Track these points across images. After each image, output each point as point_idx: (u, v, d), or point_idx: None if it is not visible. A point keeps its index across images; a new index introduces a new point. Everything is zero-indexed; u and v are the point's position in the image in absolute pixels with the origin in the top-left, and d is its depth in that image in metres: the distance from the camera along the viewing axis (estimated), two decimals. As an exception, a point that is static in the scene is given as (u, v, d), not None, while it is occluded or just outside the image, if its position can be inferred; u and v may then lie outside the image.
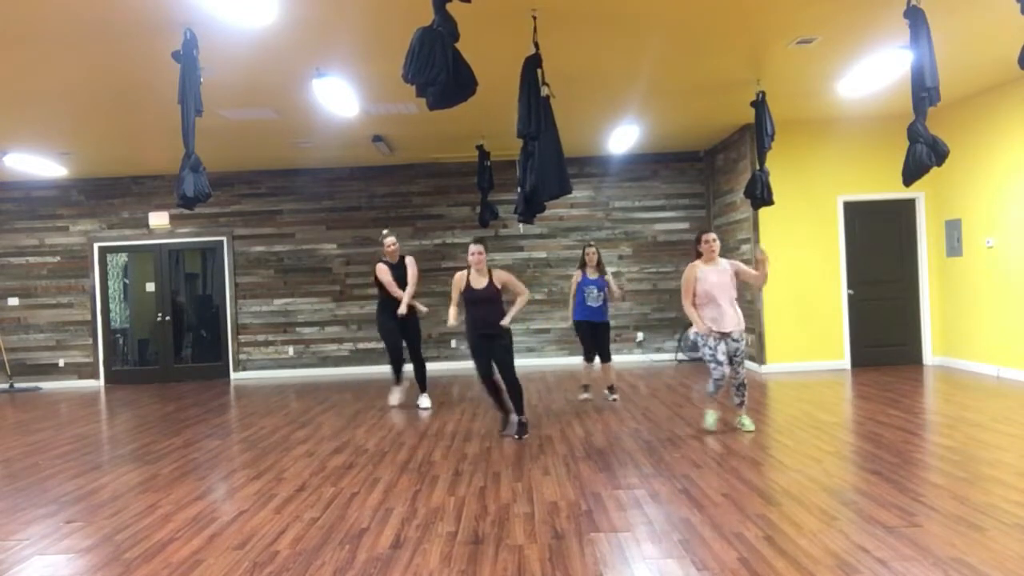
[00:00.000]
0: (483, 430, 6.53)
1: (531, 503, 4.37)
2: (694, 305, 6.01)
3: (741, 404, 6.14)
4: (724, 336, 5.97)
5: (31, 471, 5.71)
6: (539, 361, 11.00)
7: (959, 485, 4.37)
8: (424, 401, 7.82)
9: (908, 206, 9.47)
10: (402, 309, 7.40)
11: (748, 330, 9.74)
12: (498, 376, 6.26)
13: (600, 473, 4.97)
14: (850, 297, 9.42)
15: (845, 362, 9.39)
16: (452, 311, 6.26)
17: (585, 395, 7.85)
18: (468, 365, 10.62)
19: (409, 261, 7.67)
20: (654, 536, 3.75)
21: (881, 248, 9.47)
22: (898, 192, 8.88)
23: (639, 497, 4.40)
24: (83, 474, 5.53)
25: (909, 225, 9.49)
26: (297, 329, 11.26)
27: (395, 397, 7.98)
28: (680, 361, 10.68)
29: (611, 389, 7.75)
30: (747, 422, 6.11)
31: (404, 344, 7.75)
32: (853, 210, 9.45)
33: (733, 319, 5.99)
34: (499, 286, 6.20)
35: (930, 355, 9.43)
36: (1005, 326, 8.19)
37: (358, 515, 4.28)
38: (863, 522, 3.81)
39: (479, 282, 6.19)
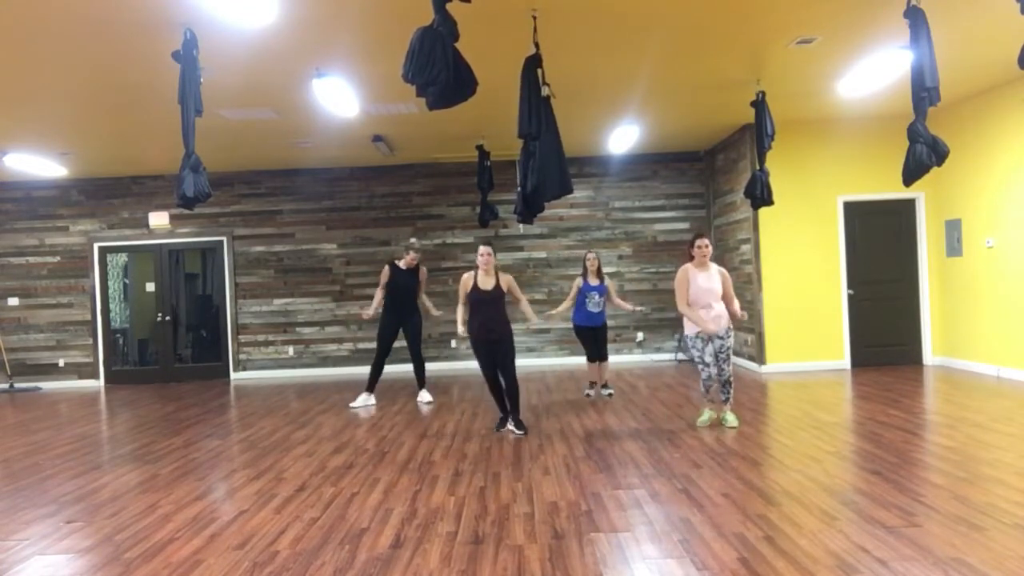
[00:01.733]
0: (483, 430, 6.53)
1: (531, 503, 4.37)
2: (688, 305, 6.19)
3: (726, 401, 6.32)
4: (711, 338, 6.15)
5: (31, 471, 5.71)
6: (539, 361, 11.00)
7: (959, 485, 4.37)
8: (425, 396, 8.18)
9: (908, 206, 9.47)
10: (367, 313, 7.98)
11: (748, 330, 9.79)
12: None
13: (600, 473, 4.97)
14: (850, 297, 9.42)
15: (845, 362, 9.39)
16: (460, 317, 6.39)
17: (590, 391, 8.12)
18: (467, 365, 10.64)
19: (422, 271, 8.14)
20: (654, 536, 3.75)
21: (881, 248, 9.47)
22: (898, 192, 8.88)
23: (639, 497, 4.40)
24: (83, 474, 5.53)
25: (909, 225, 9.49)
26: (297, 329, 11.26)
27: (361, 400, 8.14)
28: (680, 361, 10.68)
29: (605, 386, 8.11)
30: (730, 418, 6.28)
31: (405, 345, 8.13)
32: (853, 210, 9.44)
33: (721, 321, 6.15)
34: (505, 288, 6.35)
35: (930, 355, 9.43)
36: (1005, 326, 8.19)
37: (358, 515, 4.28)
38: (863, 522, 3.82)
39: (487, 283, 6.31)
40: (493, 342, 6.27)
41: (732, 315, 6.23)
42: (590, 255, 7.83)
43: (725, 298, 6.19)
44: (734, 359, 10.39)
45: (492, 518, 4.12)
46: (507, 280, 6.40)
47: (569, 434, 6.23)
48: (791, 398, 7.54)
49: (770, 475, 4.77)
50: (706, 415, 6.37)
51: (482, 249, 6.36)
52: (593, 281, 7.74)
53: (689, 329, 6.22)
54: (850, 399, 7.37)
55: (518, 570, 3.39)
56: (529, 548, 3.65)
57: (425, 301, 8.13)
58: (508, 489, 4.68)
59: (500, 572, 3.37)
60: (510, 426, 6.37)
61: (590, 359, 7.97)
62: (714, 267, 6.22)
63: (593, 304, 7.70)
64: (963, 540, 3.52)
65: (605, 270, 11.12)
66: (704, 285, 6.11)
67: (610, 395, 8.00)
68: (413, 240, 8.24)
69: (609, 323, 11.04)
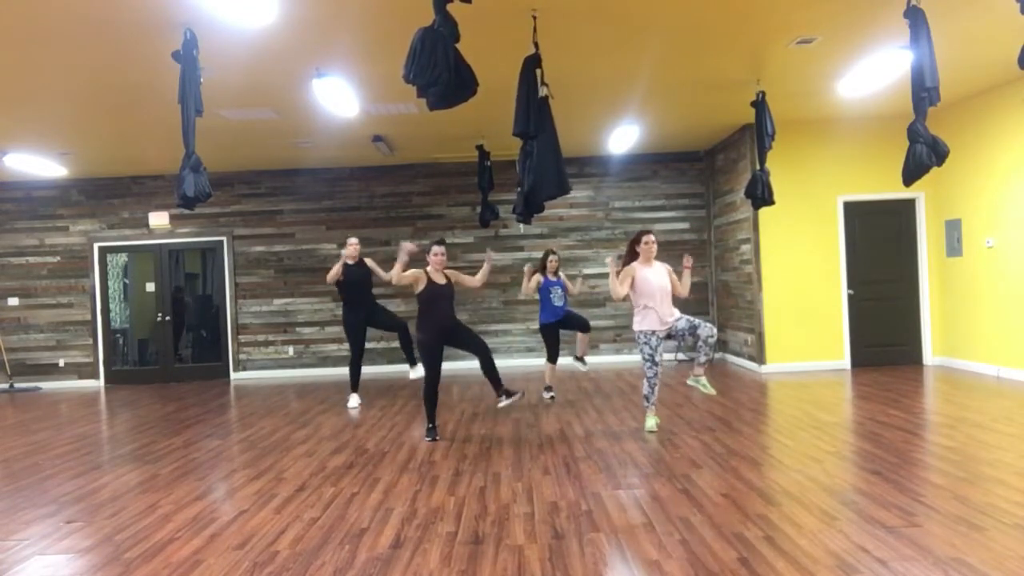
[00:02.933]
0: (483, 430, 6.53)
1: (531, 503, 4.37)
2: (628, 296, 6.06)
3: (708, 362, 6.15)
4: (667, 334, 6.06)
5: (31, 471, 5.71)
6: (540, 361, 10.96)
7: (959, 485, 4.37)
8: (415, 374, 7.92)
9: (908, 206, 9.47)
10: (331, 275, 7.85)
11: (748, 330, 9.79)
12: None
13: (600, 473, 4.97)
14: (850, 297, 9.42)
15: (845, 362, 9.39)
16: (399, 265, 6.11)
17: (549, 395, 8.01)
18: (467, 365, 10.62)
19: (369, 261, 8.06)
20: (654, 536, 3.75)
21: (881, 248, 9.47)
22: (898, 192, 8.87)
23: (639, 497, 4.40)
24: (83, 474, 5.53)
25: (909, 225, 9.49)
26: (297, 329, 11.26)
27: (354, 401, 8.10)
28: (680, 361, 10.68)
29: (581, 360, 8.06)
30: (705, 383, 6.14)
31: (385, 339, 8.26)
32: (853, 210, 9.44)
33: (672, 315, 6.04)
34: (454, 281, 6.37)
35: (930, 355, 9.43)
36: (1005, 326, 8.19)
37: (358, 515, 4.28)
38: (863, 522, 3.82)
39: (439, 278, 6.27)
40: (449, 329, 6.23)
41: (684, 285, 6.13)
42: (553, 256, 7.81)
43: (675, 289, 6.08)
44: (733, 359, 10.39)
45: (492, 518, 4.13)
46: (452, 273, 6.39)
47: (569, 434, 6.23)
48: (791, 398, 7.54)
49: (770, 475, 4.77)
50: (651, 421, 6.22)
51: (436, 249, 6.29)
52: (552, 277, 7.77)
53: (639, 324, 6.05)
54: (850, 399, 7.37)
55: (518, 570, 3.39)
56: (529, 548, 3.65)
57: (372, 263, 7.95)
58: (508, 489, 4.68)
59: (500, 572, 3.38)
60: (503, 400, 6.22)
61: (550, 360, 7.87)
62: (658, 264, 6.11)
63: (557, 298, 7.70)
64: (963, 540, 3.52)
65: (606, 270, 11.14)
66: (651, 279, 5.97)
67: (585, 370, 8.16)
68: (351, 238, 8.26)
69: (610, 323, 11.15)
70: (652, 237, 6.08)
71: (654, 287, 5.98)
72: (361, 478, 5.09)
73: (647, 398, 6.22)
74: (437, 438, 6.20)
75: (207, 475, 5.38)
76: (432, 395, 6.25)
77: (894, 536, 3.60)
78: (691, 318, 6.10)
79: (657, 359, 6.08)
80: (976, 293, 8.66)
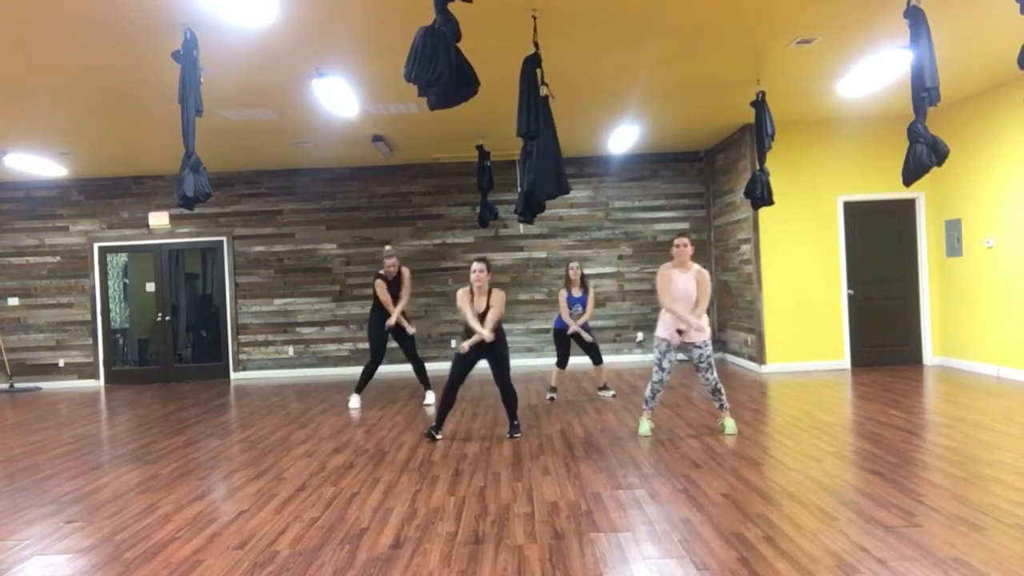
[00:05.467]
0: (483, 430, 6.53)
1: (531, 503, 4.37)
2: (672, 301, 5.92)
3: (721, 407, 6.04)
4: (686, 345, 5.88)
5: (31, 471, 5.71)
6: (539, 361, 10.99)
7: (959, 485, 4.37)
8: (430, 397, 8.06)
9: (908, 206, 9.47)
10: (390, 321, 7.72)
11: (748, 330, 9.79)
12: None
13: (600, 473, 4.97)
14: (850, 297, 9.42)
15: (845, 362, 9.39)
16: (474, 337, 5.97)
17: (552, 395, 8.02)
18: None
19: (404, 274, 7.90)
20: (654, 536, 3.75)
21: (881, 248, 9.47)
22: (898, 192, 8.89)
23: (639, 497, 4.40)
24: (83, 474, 5.53)
25: (909, 225, 9.49)
26: (297, 329, 11.26)
27: (355, 402, 8.08)
28: (680, 361, 10.68)
29: (605, 387, 8.05)
30: (729, 424, 6.00)
31: (401, 351, 8.05)
32: (853, 210, 9.45)
33: (693, 332, 5.82)
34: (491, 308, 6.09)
35: (930, 355, 9.43)
36: (1005, 326, 8.19)
37: (358, 515, 4.28)
38: (863, 522, 3.81)
39: (480, 304, 6.09)
40: (483, 347, 6.06)
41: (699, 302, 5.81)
42: (573, 264, 7.82)
43: (698, 301, 5.82)
44: (733, 359, 10.39)
45: (492, 518, 4.12)
46: (498, 302, 6.06)
47: (569, 434, 6.23)
48: (791, 398, 7.53)
49: (770, 475, 4.77)
50: (645, 425, 6.08)
51: (475, 266, 6.01)
52: (576, 292, 7.75)
53: (660, 331, 5.95)
54: (850, 399, 7.37)
55: (518, 570, 3.39)
56: (529, 548, 3.65)
57: (402, 320, 7.78)
58: (508, 489, 4.68)
59: (500, 572, 3.37)
60: (513, 433, 6.20)
61: (559, 364, 7.88)
62: (694, 268, 5.92)
63: (575, 316, 7.72)
64: (963, 540, 3.52)
65: (605, 270, 11.21)
66: (682, 288, 5.84)
67: (613, 396, 7.93)
68: (388, 247, 8.23)
69: (610, 323, 11.15)
70: (684, 240, 5.91)
71: (679, 292, 5.84)
72: (361, 478, 5.09)
73: (646, 401, 6.13)
74: (438, 438, 6.19)
75: (207, 475, 5.38)
76: (448, 399, 6.21)
77: (894, 536, 3.60)
78: (705, 358, 5.86)
79: (665, 365, 5.94)
80: (976, 293, 8.66)
